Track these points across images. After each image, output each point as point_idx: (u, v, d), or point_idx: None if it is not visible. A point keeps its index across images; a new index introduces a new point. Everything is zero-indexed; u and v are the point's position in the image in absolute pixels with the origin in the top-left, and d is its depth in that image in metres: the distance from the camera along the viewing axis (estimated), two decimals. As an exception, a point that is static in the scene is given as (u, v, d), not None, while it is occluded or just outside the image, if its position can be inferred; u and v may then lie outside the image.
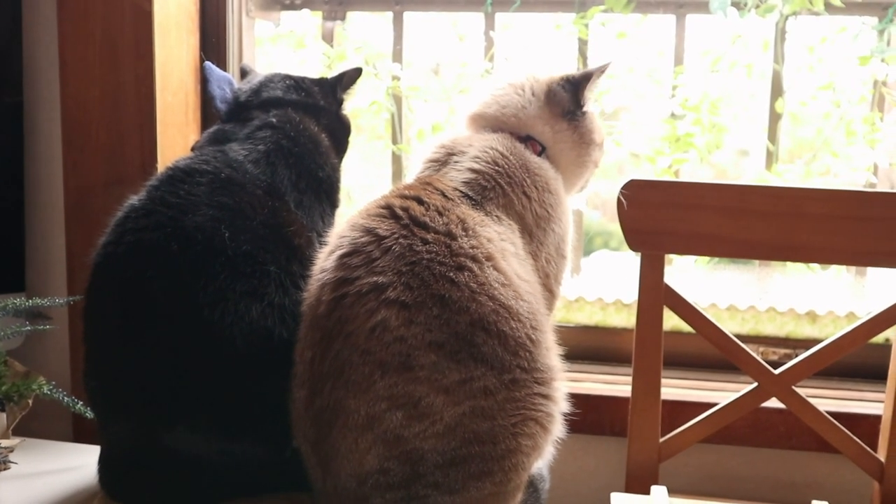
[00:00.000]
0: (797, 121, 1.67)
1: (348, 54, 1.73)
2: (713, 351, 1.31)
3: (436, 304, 0.94)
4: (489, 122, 1.18)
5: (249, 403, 1.04)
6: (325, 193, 1.24)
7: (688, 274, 1.68)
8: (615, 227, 1.28)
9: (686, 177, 1.66)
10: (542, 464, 1.10)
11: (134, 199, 1.10)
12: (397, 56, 1.71)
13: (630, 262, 1.75)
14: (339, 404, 0.94)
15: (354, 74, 1.36)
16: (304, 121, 1.26)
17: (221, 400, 1.03)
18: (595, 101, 1.24)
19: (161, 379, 1.03)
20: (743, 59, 1.64)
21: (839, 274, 1.65)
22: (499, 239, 1.03)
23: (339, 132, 1.33)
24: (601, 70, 1.19)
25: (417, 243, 0.97)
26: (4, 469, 1.26)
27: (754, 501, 1.41)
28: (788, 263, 1.66)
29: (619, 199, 1.26)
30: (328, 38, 1.76)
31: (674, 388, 1.48)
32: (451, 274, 0.95)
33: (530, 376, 0.97)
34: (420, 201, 1.02)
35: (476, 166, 1.09)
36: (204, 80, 1.31)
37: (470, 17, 1.76)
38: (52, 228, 1.57)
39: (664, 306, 1.28)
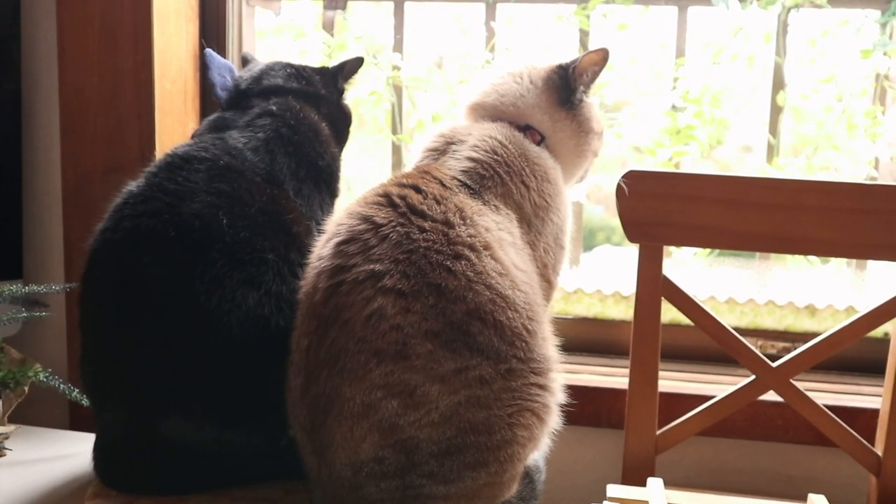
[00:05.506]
0: (798, 114, 1.66)
1: (349, 44, 1.73)
2: (711, 344, 1.31)
3: (432, 293, 0.93)
4: (488, 112, 1.18)
5: (245, 391, 1.04)
6: (325, 182, 1.23)
7: (687, 267, 1.67)
8: (617, 222, 1.28)
9: (686, 170, 1.65)
10: (538, 455, 1.10)
11: (132, 186, 1.10)
12: (398, 46, 1.71)
13: (633, 257, 1.74)
14: (335, 392, 0.94)
15: (356, 64, 1.35)
16: (305, 109, 1.25)
17: (217, 388, 1.03)
18: (595, 95, 1.23)
19: (157, 366, 1.03)
20: (744, 52, 1.63)
21: (839, 267, 1.65)
22: (496, 228, 1.02)
23: (340, 121, 1.33)
24: (596, 54, 1.16)
25: (415, 231, 0.96)
26: (0, 456, 1.26)
27: (751, 494, 1.40)
28: (788, 257, 1.66)
29: (619, 187, 1.25)
30: (329, 27, 1.76)
31: (671, 381, 1.47)
32: (448, 263, 0.95)
33: (527, 366, 0.97)
34: (418, 190, 1.01)
35: (475, 155, 1.08)
36: (204, 68, 1.31)
37: (471, 8, 1.75)
38: (49, 215, 1.56)
39: (662, 298, 1.28)
